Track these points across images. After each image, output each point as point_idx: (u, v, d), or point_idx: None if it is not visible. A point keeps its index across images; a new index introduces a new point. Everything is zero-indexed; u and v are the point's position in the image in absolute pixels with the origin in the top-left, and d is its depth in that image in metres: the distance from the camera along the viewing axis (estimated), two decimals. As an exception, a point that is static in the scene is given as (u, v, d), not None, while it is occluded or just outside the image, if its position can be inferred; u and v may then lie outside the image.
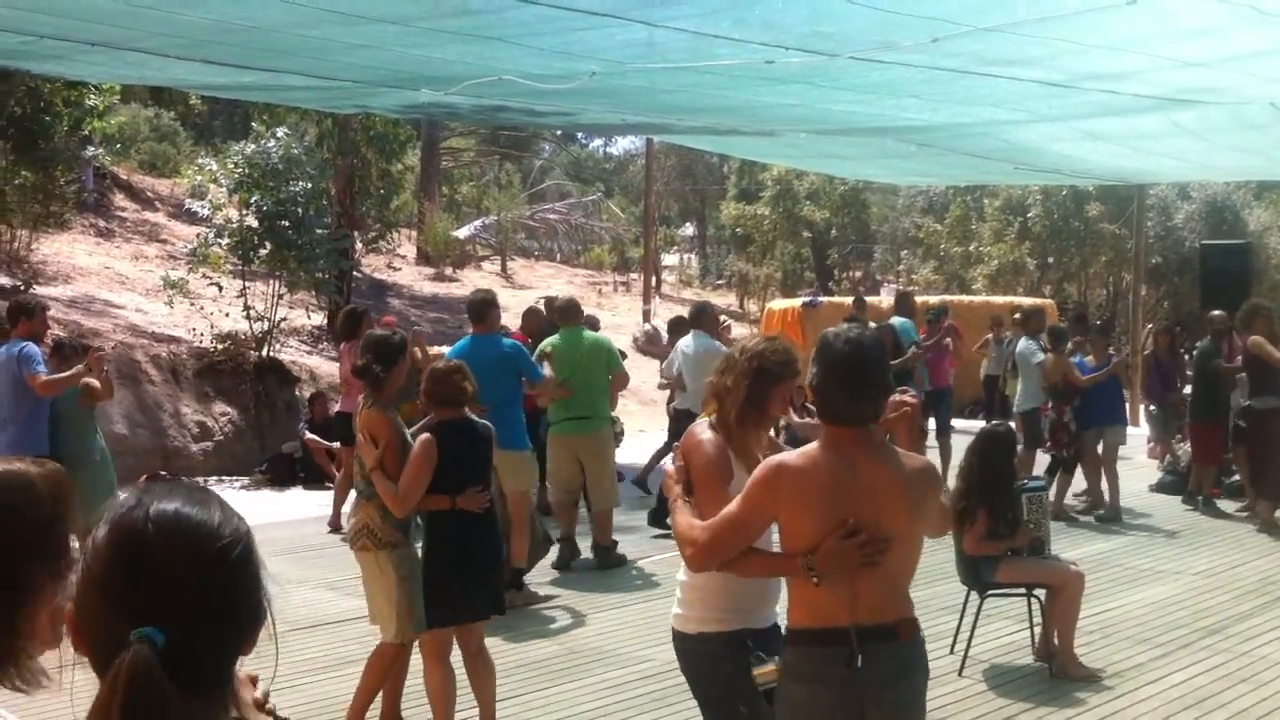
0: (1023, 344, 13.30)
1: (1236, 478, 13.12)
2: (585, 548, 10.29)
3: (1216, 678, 7.26)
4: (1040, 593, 7.50)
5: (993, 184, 31.41)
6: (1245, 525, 11.92)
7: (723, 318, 16.46)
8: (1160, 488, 13.79)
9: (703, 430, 4.06)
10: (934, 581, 9.32)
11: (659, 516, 10.77)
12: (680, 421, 10.89)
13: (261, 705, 1.62)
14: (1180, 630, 8.29)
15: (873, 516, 3.58)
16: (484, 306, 9.36)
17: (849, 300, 20.83)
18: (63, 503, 1.79)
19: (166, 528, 1.47)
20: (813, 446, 3.71)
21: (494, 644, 7.94)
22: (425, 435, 5.88)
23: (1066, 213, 33.52)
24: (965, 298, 26.68)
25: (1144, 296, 25.31)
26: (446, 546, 5.90)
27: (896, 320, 14.11)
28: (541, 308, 12.35)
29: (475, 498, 5.91)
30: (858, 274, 43.56)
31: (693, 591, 4.07)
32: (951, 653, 7.63)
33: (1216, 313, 13.55)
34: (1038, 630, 7.65)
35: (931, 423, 14.29)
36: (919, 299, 23.04)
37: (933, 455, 13.99)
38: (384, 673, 6.09)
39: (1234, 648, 7.88)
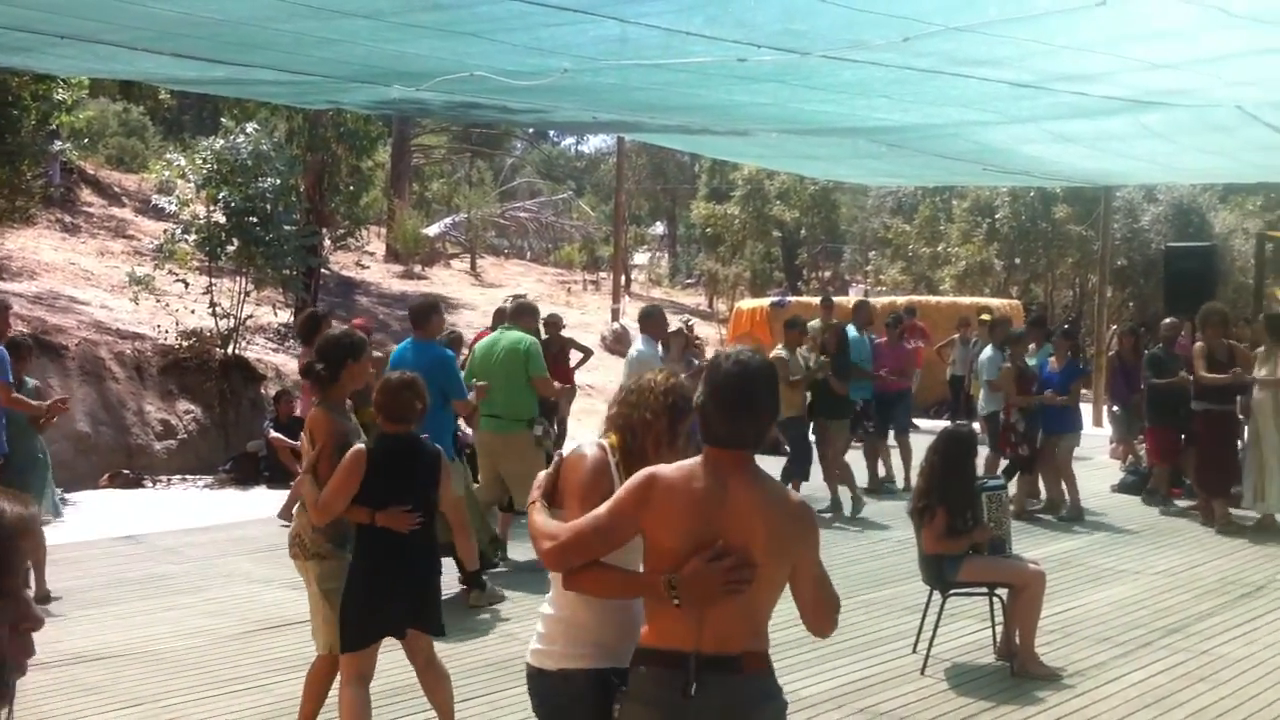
0: (987, 352, 13.50)
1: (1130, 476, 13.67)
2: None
3: (1176, 676, 7.32)
4: (1002, 592, 7.54)
5: (961, 185, 31.59)
6: (1206, 526, 12.02)
7: (686, 317, 16.49)
8: (1122, 488, 13.90)
9: (591, 449, 3.87)
10: (897, 581, 9.39)
11: None
12: None
13: None
14: (1140, 629, 8.36)
15: (737, 542, 3.42)
16: (422, 311, 9.27)
17: (817, 300, 20.89)
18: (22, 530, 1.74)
19: None
20: (690, 462, 3.58)
21: (457, 646, 7.95)
22: (358, 446, 5.70)
23: (1034, 214, 33.76)
24: (933, 298, 26.82)
25: (1110, 298, 25.48)
26: (361, 562, 5.68)
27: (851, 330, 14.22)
28: (503, 307, 12.26)
29: (398, 516, 5.59)
30: (826, 274, 43.72)
31: (557, 625, 3.80)
32: (914, 652, 7.67)
33: (1167, 320, 13.87)
34: (999, 629, 7.70)
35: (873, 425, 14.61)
36: (886, 299, 23.21)
37: (894, 456, 14.25)
38: (321, 686, 5.92)
39: (1193, 646, 7.96)
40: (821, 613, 3.60)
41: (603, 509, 3.53)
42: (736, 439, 3.53)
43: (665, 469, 3.55)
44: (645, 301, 34.92)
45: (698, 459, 3.57)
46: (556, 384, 10.85)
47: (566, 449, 3.99)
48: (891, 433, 14.67)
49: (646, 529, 3.50)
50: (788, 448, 12.59)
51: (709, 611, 3.42)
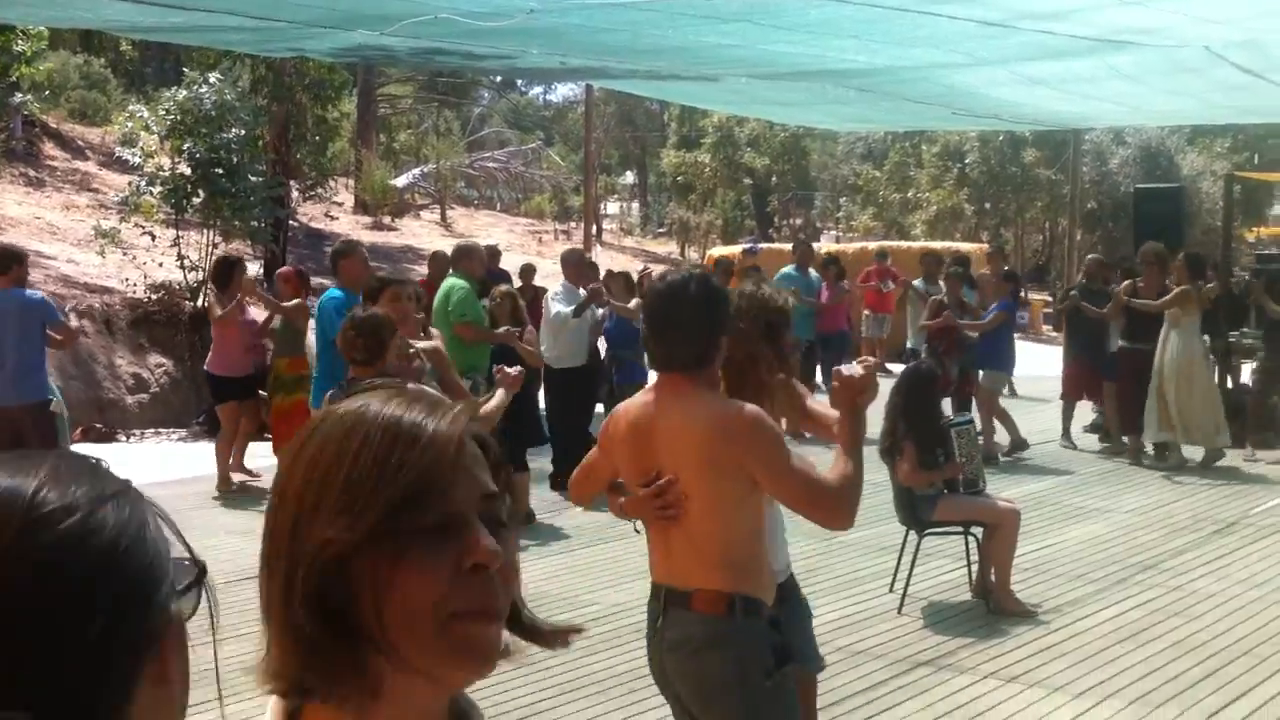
0: (917, 282, 13.75)
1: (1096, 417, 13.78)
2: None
3: (1150, 611, 7.40)
4: (977, 531, 7.59)
5: (931, 130, 31.57)
6: (1135, 465, 12.19)
7: (645, 266, 16.35)
8: (1093, 428, 13.98)
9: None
10: (872, 523, 9.41)
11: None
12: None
13: None
14: (1114, 566, 8.44)
15: (670, 467, 3.41)
16: (334, 257, 9.20)
17: (789, 246, 20.87)
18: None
19: None
20: (644, 391, 3.65)
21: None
22: (330, 394, 5.53)
23: (1003, 158, 33.81)
24: (904, 244, 26.83)
25: (1079, 241, 25.55)
26: None
27: (783, 270, 14.29)
28: (440, 255, 12.00)
29: None
30: (798, 221, 43.66)
31: None
32: (891, 591, 7.72)
33: (1091, 256, 14.20)
34: (975, 568, 7.75)
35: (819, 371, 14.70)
36: (858, 245, 23.22)
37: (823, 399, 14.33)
38: None
39: (1167, 582, 8.03)
40: (815, 510, 3.45)
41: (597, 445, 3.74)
42: (669, 360, 3.46)
43: (623, 404, 3.64)
44: (618, 251, 34.85)
45: (651, 386, 3.62)
46: (534, 346, 10.53)
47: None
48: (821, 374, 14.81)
49: (616, 462, 3.62)
50: None
51: (673, 544, 3.42)
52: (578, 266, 11.49)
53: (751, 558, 3.44)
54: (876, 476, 8.32)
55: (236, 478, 10.98)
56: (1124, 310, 12.20)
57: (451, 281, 9.81)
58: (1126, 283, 12.42)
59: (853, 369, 3.56)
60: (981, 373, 12.61)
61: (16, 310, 8.72)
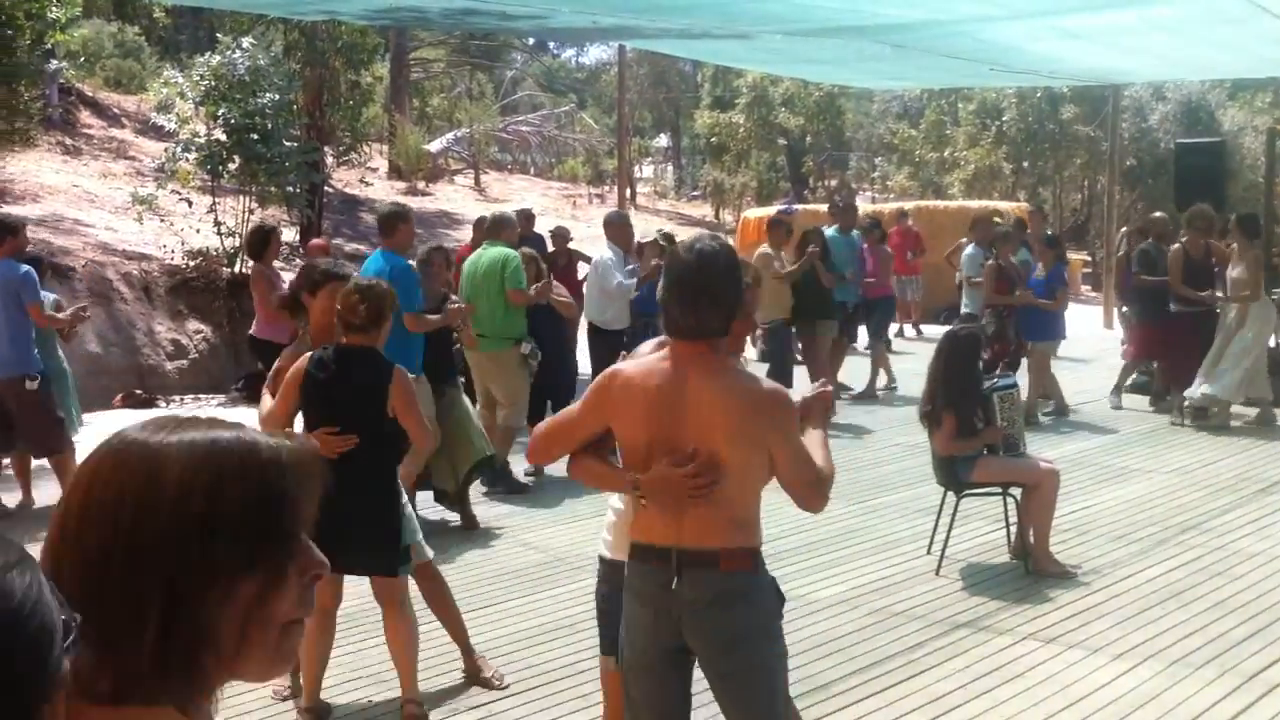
0: (969, 250, 13.53)
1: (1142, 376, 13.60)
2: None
3: (1192, 571, 7.33)
4: (1016, 492, 7.53)
5: (968, 87, 31.25)
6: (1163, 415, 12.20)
7: (663, 229, 16.24)
8: (1134, 389, 13.85)
9: (647, 344, 3.94)
10: (911, 485, 9.40)
11: None
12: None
13: None
14: (1155, 527, 8.37)
15: (698, 437, 3.45)
16: (387, 220, 8.85)
17: (824, 208, 20.73)
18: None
19: None
20: (654, 357, 3.60)
21: (470, 555, 7.98)
22: (299, 361, 5.35)
23: (1041, 116, 33.42)
24: (940, 203, 26.61)
25: (1119, 199, 25.28)
26: None
27: (828, 232, 14.15)
28: (481, 221, 11.96)
29: (321, 438, 4.99)
30: (833, 182, 43.38)
31: (619, 518, 4.05)
32: (928, 553, 7.69)
33: (1156, 214, 13.87)
34: (1013, 529, 7.70)
35: (863, 331, 14.58)
36: (893, 205, 23.03)
37: (863, 364, 14.18)
38: None
39: (1209, 542, 7.96)
40: (807, 492, 3.61)
41: (576, 403, 3.69)
42: (698, 330, 3.49)
43: (627, 364, 3.67)
44: (651, 214, 34.74)
45: (663, 353, 3.60)
46: (566, 295, 10.71)
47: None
48: (873, 336, 14.67)
49: (614, 425, 3.59)
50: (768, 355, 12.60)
51: (687, 508, 3.48)
52: (622, 229, 11.55)
53: (757, 515, 3.64)
54: (916, 438, 8.32)
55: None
56: (1181, 275, 12.00)
57: (504, 250, 9.82)
58: (1176, 247, 12.18)
59: (816, 390, 3.84)
60: (1032, 343, 12.47)
61: (1, 284, 8.70)
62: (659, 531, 3.55)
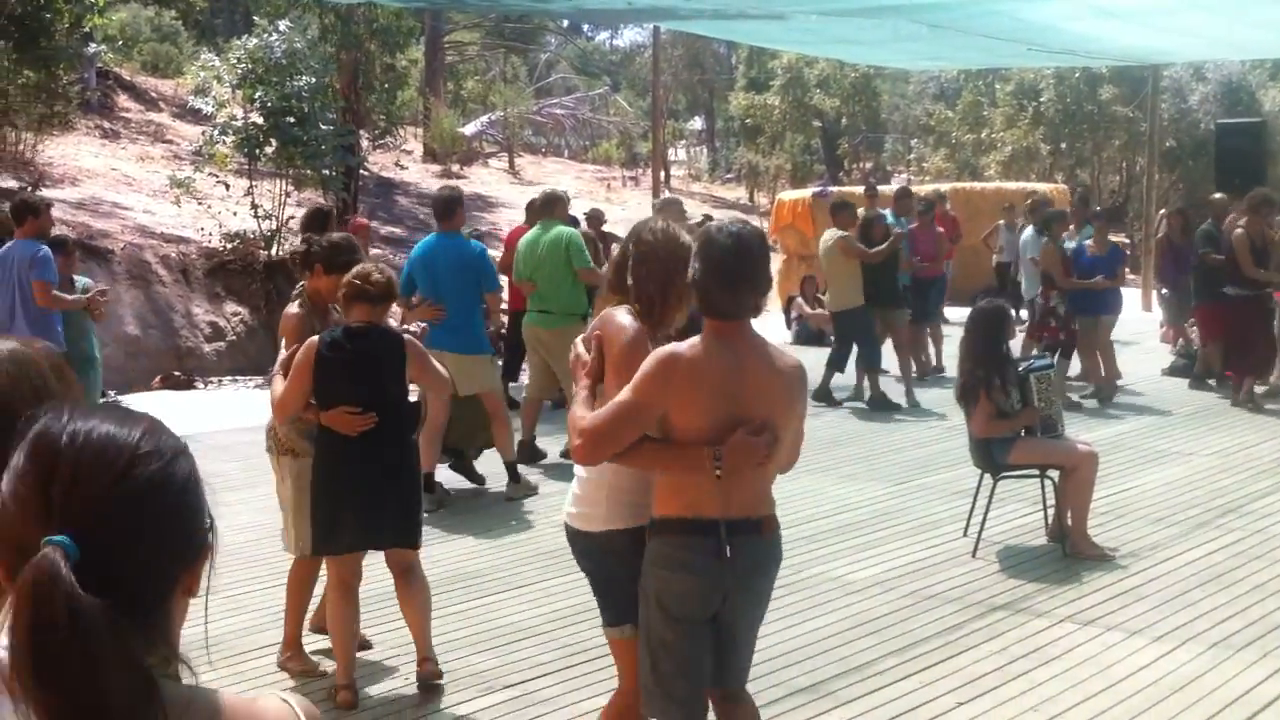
0: (1028, 233, 13.35)
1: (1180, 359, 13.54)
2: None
3: (1232, 554, 7.28)
4: (1054, 474, 7.49)
5: (1005, 67, 30.99)
6: (1234, 405, 11.94)
7: (705, 215, 16.19)
8: (1173, 371, 13.76)
9: (627, 318, 3.92)
10: (948, 467, 9.37)
11: None
12: None
13: None
14: (1195, 509, 8.31)
15: (763, 411, 3.64)
16: (447, 204, 8.95)
17: (860, 190, 20.64)
18: (64, 381, 1.96)
19: (79, 440, 1.37)
20: (702, 339, 3.68)
21: (511, 532, 8.02)
22: (310, 340, 5.37)
23: (1079, 96, 33.13)
24: (977, 185, 26.44)
25: (1158, 180, 25.03)
26: (319, 467, 5.36)
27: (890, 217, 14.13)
28: (539, 198, 12.04)
29: (341, 417, 5.18)
30: (868, 164, 43.16)
31: (598, 490, 3.96)
32: (965, 535, 7.66)
33: (1217, 195, 13.69)
34: (1051, 512, 7.66)
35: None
36: (930, 188, 22.89)
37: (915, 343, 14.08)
38: (302, 589, 5.74)
39: (1249, 526, 7.90)
40: (794, 454, 3.90)
41: (627, 395, 3.63)
42: (737, 309, 3.70)
43: (681, 348, 3.66)
44: (686, 197, 34.66)
45: (700, 336, 3.69)
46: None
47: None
48: (926, 318, 14.62)
49: (671, 406, 3.62)
50: (839, 341, 12.50)
51: (732, 480, 3.62)
52: (679, 217, 11.57)
53: None
54: (956, 420, 8.30)
55: None
56: (1230, 256, 11.86)
57: (564, 229, 9.86)
58: (1240, 231, 11.96)
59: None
60: (1099, 318, 12.36)
61: (17, 263, 8.76)
62: (708, 504, 3.63)
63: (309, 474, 5.44)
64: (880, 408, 12.07)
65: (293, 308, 6.04)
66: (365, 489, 5.26)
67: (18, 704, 1.26)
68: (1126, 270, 12.86)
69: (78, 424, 1.39)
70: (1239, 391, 12.01)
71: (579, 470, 4.05)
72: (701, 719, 3.85)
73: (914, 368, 13.16)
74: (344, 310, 5.49)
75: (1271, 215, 12.09)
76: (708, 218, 12.27)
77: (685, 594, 3.70)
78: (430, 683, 5.44)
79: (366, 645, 5.82)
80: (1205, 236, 12.67)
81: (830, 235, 12.23)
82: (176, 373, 15.03)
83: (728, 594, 3.71)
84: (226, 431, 10.99)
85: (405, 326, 8.16)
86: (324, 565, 5.59)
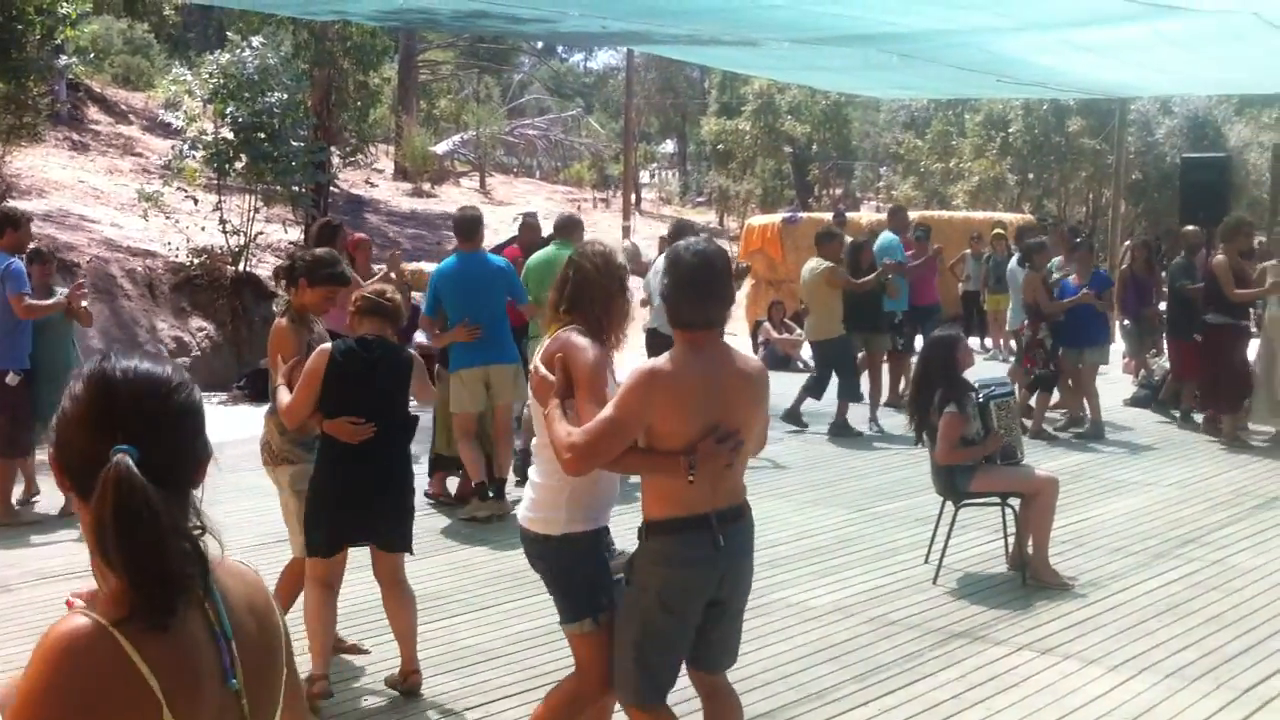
0: (1013, 262, 13.31)
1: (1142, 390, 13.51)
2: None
3: (1190, 585, 7.34)
4: (1014, 502, 7.53)
5: (975, 98, 31.28)
6: (1214, 439, 11.99)
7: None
8: (1134, 402, 13.85)
9: (579, 337, 4.16)
10: (910, 494, 9.42)
11: None
12: (649, 340, 10.88)
13: None
14: (1153, 540, 8.37)
15: (739, 415, 3.95)
16: (474, 224, 9.18)
17: (829, 216, 20.75)
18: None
19: (129, 373, 1.86)
20: (675, 351, 3.98)
21: (477, 553, 8.00)
22: (321, 347, 5.52)
23: (1047, 128, 33.48)
24: (945, 214, 26.62)
25: (1123, 212, 25.29)
26: (320, 470, 5.52)
27: (884, 236, 14.14)
28: (534, 222, 12.08)
29: (343, 427, 5.35)
30: (838, 190, 43.41)
31: (558, 494, 4.20)
32: (926, 562, 7.69)
33: (1190, 228, 13.71)
34: (1012, 539, 7.71)
35: (919, 340, 14.48)
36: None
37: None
38: (292, 589, 5.82)
39: (1206, 556, 7.97)
40: (762, 442, 4.26)
41: (611, 410, 3.88)
42: (707, 322, 3.98)
43: (660, 362, 3.96)
44: (656, 219, 34.74)
45: (676, 349, 3.99)
46: None
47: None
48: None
49: (655, 418, 3.89)
50: (819, 369, 12.52)
51: (717, 475, 3.93)
52: (579, 235, 11.56)
53: None
54: (916, 447, 8.33)
55: None
56: (1209, 284, 11.83)
57: (560, 251, 9.85)
58: (1221, 258, 11.85)
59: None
60: (1086, 350, 12.20)
61: None
62: (699, 501, 3.92)
63: (303, 479, 5.62)
64: (840, 433, 12.09)
65: (282, 321, 6.06)
66: (362, 492, 5.44)
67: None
68: (1113, 297, 12.75)
69: (124, 362, 1.87)
70: (1216, 426, 12.04)
71: (534, 475, 4.31)
72: (668, 691, 4.15)
73: (884, 396, 13.17)
74: (354, 323, 5.63)
75: (1247, 239, 12.13)
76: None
77: (689, 587, 3.98)
78: (414, 691, 5.59)
79: (358, 650, 6.05)
80: (1181, 269, 12.72)
81: (816, 264, 12.10)
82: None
83: (724, 577, 4.00)
84: (190, 447, 10.93)
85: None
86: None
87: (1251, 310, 12.29)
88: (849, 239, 13.42)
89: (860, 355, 12.86)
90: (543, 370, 4.11)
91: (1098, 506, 9.31)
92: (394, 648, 5.75)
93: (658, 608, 4.00)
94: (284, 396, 5.57)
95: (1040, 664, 6.04)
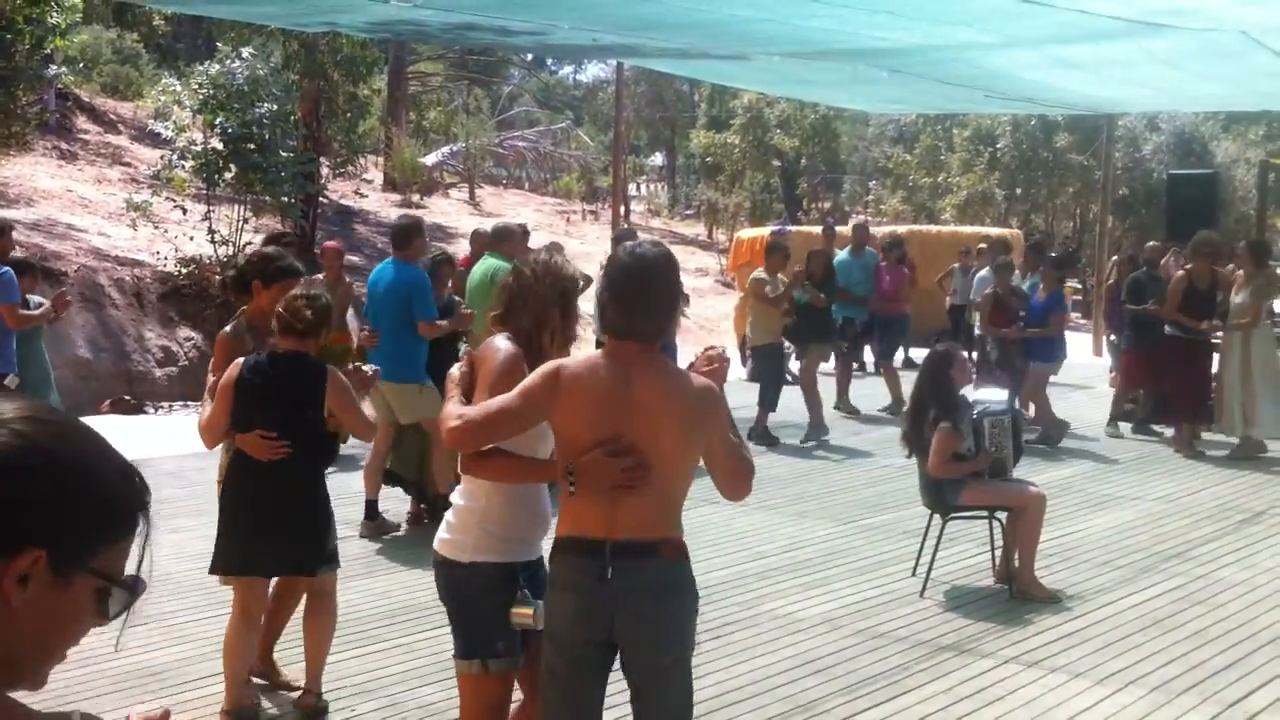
0: (983, 273, 13.60)
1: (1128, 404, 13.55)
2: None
3: (1175, 599, 7.36)
4: (1002, 515, 7.56)
5: (963, 113, 31.39)
6: (1177, 453, 12.07)
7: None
8: (1122, 416, 13.89)
9: (504, 342, 3.96)
10: (897, 506, 9.44)
11: None
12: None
13: None
14: (1139, 554, 8.40)
15: (644, 433, 3.51)
16: (403, 232, 8.92)
17: (818, 229, 20.80)
18: None
19: None
20: (594, 354, 3.68)
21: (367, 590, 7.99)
22: (236, 361, 5.37)
23: (1035, 143, 33.59)
24: (933, 228, 26.71)
25: (1110, 227, 25.38)
26: (226, 488, 5.46)
27: (842, 253, 14.35)
28: (482, 232, 12.04)
29: (254, 441, 5.19)
30: (826, 204, 43.49)
31: (470, 516, 3.95)
32: (913, 575, 7.71)
33: (1151, 243, 13.91)
34: (999, 553, 7.72)
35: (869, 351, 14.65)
36: (887, 229, 23.12)
37: (877, 383, 14.22)
38: (284, 606, 5.71)
39: (1192, 571, 7.99)
40: (737, 479, 3.67)
41: (513, 394, 3.63)
42: (632, 331, 3.58)
43: (570, 361, 3.66)
44: (645, 232, 34.78)
45: (600, 351, 3.68)
46: None
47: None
48: (881, 356, 14.78)
49: (555, 419, 3.61)
50: (759, 376, 12.62)
51: (621, 501, 3.51)
52: (520, 245, 11.52)
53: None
54: (902, 460, 8.35)
55: None
56: (1182, 302, 11.93)
57: (494, 263, 9.79)
58: (1180, 274, 12.09)
59: (712, 352, 3.81)
60: (1032, 364, 12.47)
61: None
62: (590, 524, 3.56)
63: None
64: (763, 441, 12.13)
65: (224, 331, 5.96)
66: (268, 514, 5.24)
67: None
68: (1067, 318, 12.91)
69: None
70: (1179, 440, 12.15)
71: (455, 498, 4.04)
72: None
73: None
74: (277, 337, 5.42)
75: (1216, 258, 12.20)
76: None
77: (565, 614, 3.63)
78: (309, 715, 5.41)
79: (290, 687, 5.71)
80: (1134, 284, 12.88)
81: (756, 274, 12.53)
82: (126, 397, 14.91)
83: (613, 618, 3.55)
84: (175, 458, 10.91)
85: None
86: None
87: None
88: (811, 250, 13.82)
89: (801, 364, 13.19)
90: (453, 371, 3.99)
91: (1084, 521, 9.34)
92: (391, 656, 5.74)
93: (548, 641, 3.69)
94: (204, 410, 5.48)
95: (1027, 677, 6.05)
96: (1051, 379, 13.01)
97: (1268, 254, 12.48)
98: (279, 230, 11.63)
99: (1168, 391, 12.42)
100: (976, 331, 13.78)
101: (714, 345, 4.02)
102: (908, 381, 14.29)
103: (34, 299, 9.52)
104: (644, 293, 3.59)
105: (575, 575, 3.59)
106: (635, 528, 3.54)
